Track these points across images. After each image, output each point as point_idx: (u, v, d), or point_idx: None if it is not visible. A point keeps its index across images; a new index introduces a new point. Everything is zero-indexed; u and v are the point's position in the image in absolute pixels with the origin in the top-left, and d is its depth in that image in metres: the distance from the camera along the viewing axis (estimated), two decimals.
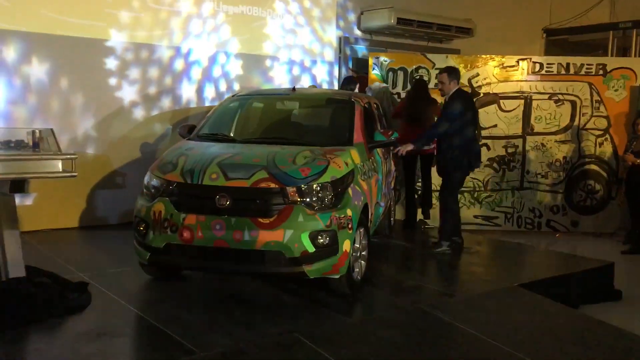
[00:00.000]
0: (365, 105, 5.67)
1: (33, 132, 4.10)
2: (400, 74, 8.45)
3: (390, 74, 8.44)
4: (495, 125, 8.48)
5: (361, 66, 8.94)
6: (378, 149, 5.58)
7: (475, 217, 8.51)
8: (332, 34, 8.54)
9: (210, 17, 7.36)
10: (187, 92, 7.27)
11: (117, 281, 4.72)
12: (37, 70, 6.22)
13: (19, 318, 3.76)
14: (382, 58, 8.48)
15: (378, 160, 5.58)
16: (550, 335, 4.07)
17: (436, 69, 8.41)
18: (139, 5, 6.80)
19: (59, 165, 3.95)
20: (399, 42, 9.39)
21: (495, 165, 8.51)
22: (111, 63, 6.68)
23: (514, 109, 8.55)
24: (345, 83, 7.52)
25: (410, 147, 5.90)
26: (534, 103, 8.53)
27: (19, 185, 4.02)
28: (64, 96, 6.42)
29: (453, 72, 6.12)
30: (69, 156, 4.07)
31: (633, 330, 4.36)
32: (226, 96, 6.83)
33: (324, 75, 8.50)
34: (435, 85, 8.37)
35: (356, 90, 7.19)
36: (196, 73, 7.33)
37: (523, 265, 6.25)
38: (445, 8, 9.43)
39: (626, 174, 7.91)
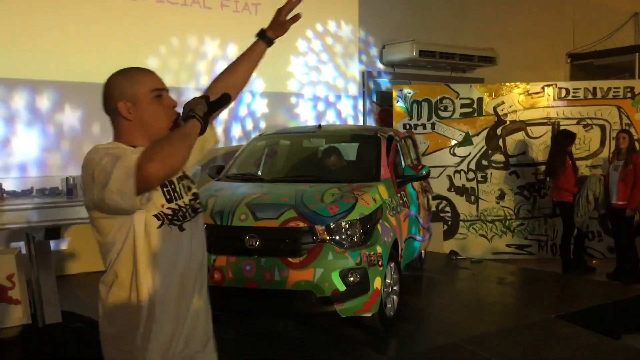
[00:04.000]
0: (394, 139, 5.68)
1: (67, 179, 4.22)
2: (425, 105, 8.47)
3: (415, 105, 8.47)
4: (524, 153, 8.41)
5: (385, 99, 9.00)
6: (415, 183, 5.62)
7: (508, 246, 8.39)
8: (355, 69, 8.63)
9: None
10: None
11: None
12: (70, 117, 6.41)
13: None
14: (406, 90, 8.52)
15: (412, 194, 5.61)
16: None
17: (460, 99, 8.43)
18: (166, 50, 6.98)
19: None
20: (422, 74, 9.43)
21: (525, 192, 8.41)
22: None
23: (541, 136, 8.48)
24: None
25: None
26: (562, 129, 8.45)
27: (54, 232, 4.12)
28: (96, 142, 6.44)
29: None
30: None
31: None
32: (253, 135, 6.93)
33: (349, 110, 8.57)
34: (461, 115, 8.44)
35: None
36: (223, 113, 7.33)
37: (560, 295, 6.10)
38: (467, 38, 9.47)
39: None
